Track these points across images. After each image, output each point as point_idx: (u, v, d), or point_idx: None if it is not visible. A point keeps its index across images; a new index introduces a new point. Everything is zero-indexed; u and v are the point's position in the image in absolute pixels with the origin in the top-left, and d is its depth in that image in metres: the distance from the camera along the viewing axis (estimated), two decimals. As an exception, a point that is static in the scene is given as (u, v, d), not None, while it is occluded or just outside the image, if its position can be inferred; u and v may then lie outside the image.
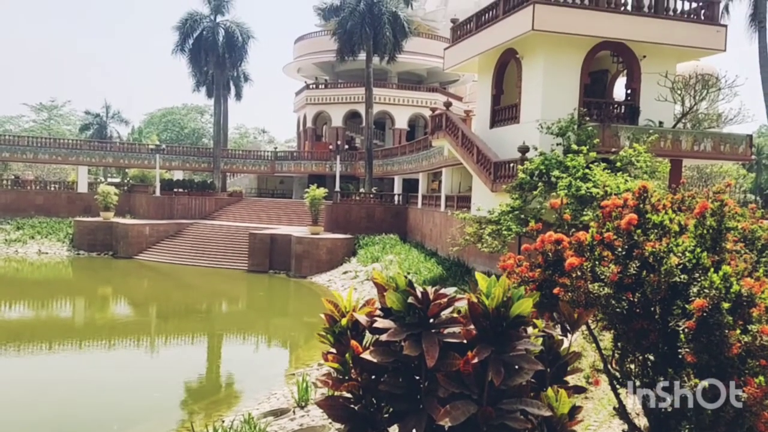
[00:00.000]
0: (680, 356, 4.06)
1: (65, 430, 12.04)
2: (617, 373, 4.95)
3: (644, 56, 20.22)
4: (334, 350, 3.84)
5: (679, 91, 20.23)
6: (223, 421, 10.74)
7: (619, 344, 4.85)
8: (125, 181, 50.31)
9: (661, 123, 19.93)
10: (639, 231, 4.60)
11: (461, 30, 24.38)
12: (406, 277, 3.67)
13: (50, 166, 51.21)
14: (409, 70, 50.63)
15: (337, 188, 38.03)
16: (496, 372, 3.24)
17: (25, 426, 11.90)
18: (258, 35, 66.45)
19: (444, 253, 25.69)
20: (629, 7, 20.03)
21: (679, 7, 20.32)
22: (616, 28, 19.52)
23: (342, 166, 43.15)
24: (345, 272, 28.26)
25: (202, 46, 43.44)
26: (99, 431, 11.87)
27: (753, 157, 33.15)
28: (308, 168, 47.89)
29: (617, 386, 4.99)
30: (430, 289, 3.58)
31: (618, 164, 16.38)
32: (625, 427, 5.04)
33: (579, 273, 4.46)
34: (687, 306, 4.08)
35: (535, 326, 3.90)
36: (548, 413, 3.37)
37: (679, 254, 4.37)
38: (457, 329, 3.47)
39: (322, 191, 32.31)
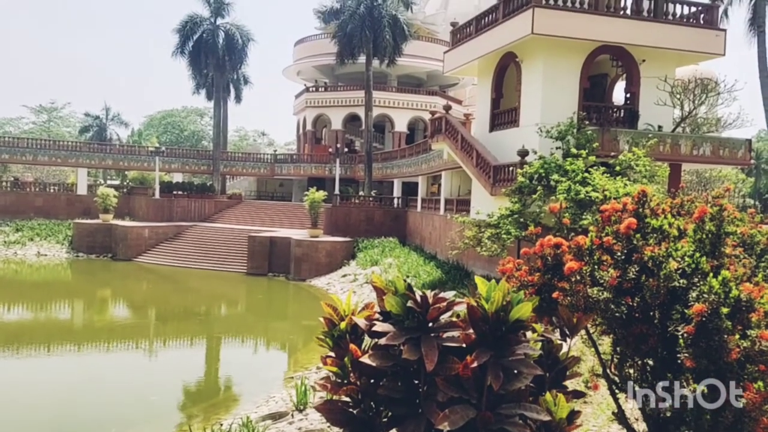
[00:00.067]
0: (679, 361, 4.06)
1: (63, 432, 12.02)
2: (616, 378, 4.94)
3: (643, 60, 20.27)
4: (332, 354, 3.83)
5: (678, 96, 20.27)
6: (221, 425, 10.71)
7: (618, 349, 4.85)
8: (125, 183, 50.32)
9: (660, 127, 19.98)
10: (638, 235, 4.60)
11: (461, 33, 24.43)
12: (405, 280, 3.67)
13: (50, 168, 51.23)
14: (409, 74, 50.71)
15: (337, 191, 38.04)
16: (495, 376, 3.24)
17: (22, 428, 11.88)
18: (258, 38, 66.58)
19: (443, 257, 25.69)
20: (629, 11, 20.10)
21: (678, 12, 20.38)
22: (615, 32, 19.58)
23: (341, 169, 43.18)
24: (344, 275, 28.24)
25: (202, 49, 43.48)
26: (97, 434, 11.84)
27: (752, 161, 33.19)
28: (308, 171, 47.91)
29: (616, 391, 4.98)
30: (430, 293, 3.57)
31: (617, 168, 16.40)
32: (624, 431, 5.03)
33: (578, 277, 4.45)
34: (686, 311, 4.07)
35: (534, 330, 3.90)
36: (547, 418, 3.36)
37: (679, 259, 4.38)
38: (456, 333, 3.47)
39: (321, 194, 32.31)
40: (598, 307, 4.37)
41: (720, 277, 4.03)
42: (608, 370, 5.00)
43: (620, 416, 4.99)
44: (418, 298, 3.51)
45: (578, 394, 4.20)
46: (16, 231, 38.45)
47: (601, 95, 22.55)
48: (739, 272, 4.30)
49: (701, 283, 4.16)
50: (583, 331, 4.92)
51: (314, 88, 51.08)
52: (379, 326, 3.54)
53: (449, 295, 3.66)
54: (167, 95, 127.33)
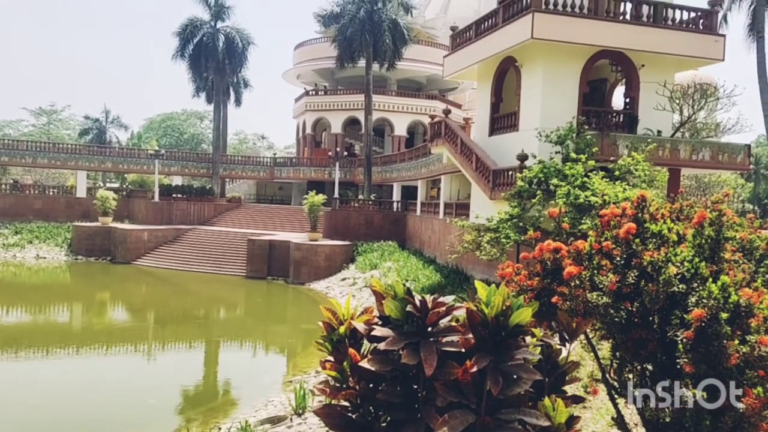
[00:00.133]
0: (679, 366, 4.06)
1: (61, 436, 11.98)
2: (616, 383, 4.94)
3: (643, 65, 20.30)
4: (332, 358, 3.83)
5: (677, 101, 20.30)
6: (220, 429, 10.70)
7: (617, 354, 4.85)
8: (124, 186, 50.30)
9: (659, 132, 20.00)
10: (637, 240, 4.60)
11: (461, 38, 24.47)
12: (404, 285, 3.67)
13: (49, 170, 51.22)
14: (409, 78, 50.78)
15: (336, 195, 38.04)
16: (495, 381, 3.24)
17: (21, 430, 11.84)
18: (258, 41, 66.62)
19: (442, 261, 25.68)
20: (628, 16, 20.12)
21: (677, 17, 20.41)
22: (615, 37, 19.60)
23: (341, 172, 43.19)
24: (343, 279, 28.22)
25: (202, 52, 43.52)
26: (95, 437, 11.82)
27: (751, 166, 33.20)
28: (307, 174, 47.92)
29: (616, 396, 4.98)
30: (429, 298, 3.58)
31: (616, 173, 16.40)
32: (624, 436, 5.02)
33: (577, 282, 4.46)
34: (685, 316, 4.08)
35: (533, 335, 3.89)
36: (546, 423, 3.36)
37: (678, 264, 4.38)
38: (455, 338, 3.47)
39: (320, 198, 32.31)
40: (597, 311, 4.37)
41: (719, 283, 4.04)
42: (608, 375, 5.00)
43: (620, 421, 4.98)
44: (418, 303, 3.51)
45: (577, 399, 4.20)
46: (15, 233, 38.41)
47: (601, 100, 22.58)
48: (738, 277, 4.30)
49: (700, 288, 4.16)
50: (582, 336, 4.92)
51: (314, 92, 51.13)
52: (379, 331, 3.54)
53: (449, 299, 3.66)
54: (167, 98, 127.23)
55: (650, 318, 4.45)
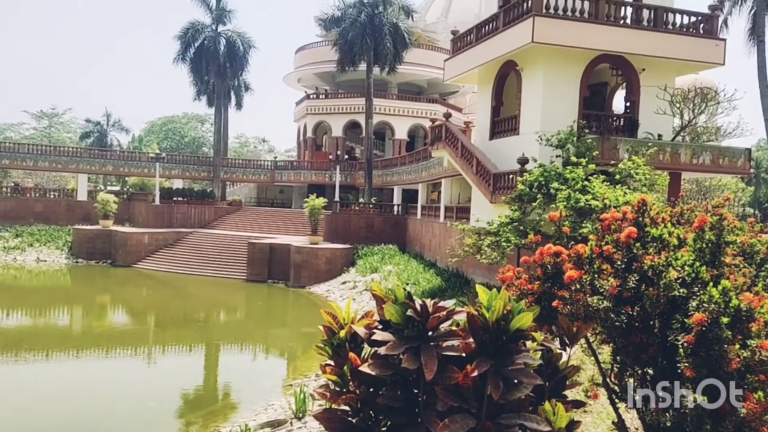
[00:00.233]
0: (679, 370, 4.05)
1: (61, 439, 11.97)
2: (616, 387, 4.93)
3: (643, 69, 20.32)
4: (332, 362, 3.83)
5: (678, 105, 20.32)
6: (220, 432, 10.68)
7: (618, 358, 4.84)
8: (125, 189, 50.35)
9: (660, 136, 20.00)
10: (638, 244, 4.60)
11: (461, 42, 24.50)
12: (404, 289, 3.67)
13: (50, 173, 51.24)
14: (410, 81, 50.84)
15: (337, 198, 38.05)
16: (495, 386, 3.23)
17: (20, 435, 11.84)
18: (259, 45, 66.75)
19: (443, 264, 25.67)
20: (628, 21, 20.15)
21: (678, 21, 20.44)
22: (615, 41, 19.63)
23: (342, 176, 43.21)
24: (344, 282, 28.22)
25: (204, 56, 43.64)
26: (95, 441, 11.80)
27: (752, 170, 33.24)
28: (308, 177, 47.96)
29: (616, 400, 4.97)
30: (429, 302, 3.57)
31: (617, 177, 16.41)
32: (624, 441, 5.01)
33: (578, 286, 4.45)
34: (686, 320, 4.07)
35: (533, 339, 3.89)
36: (547, 428, 3.35)
37: (678, 268, 4.38)
38: (456, 342, 3.46)
39: (321, 201, 32.33)
40: (597, 316, 4.37)
41: (720, 287, 4.03)
42: (608, 380, 4.99)
43: (620, 426, 4.97)
44: (418, 307, 3.50)
45: (578, 404, 4.19)
46: (15, 236, 38.43)
47: (601, 104, 22.60)
48: (739, 282, 4.30)
49: (701, 292, 4.16)
50: (582, 340, 4.92)
51: (315, 96, 51.21)
52: (379, 335, 3.54)
53: (449, 304, 3.66)
54: (168, 102, 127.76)
55: (651, 322, 4.44)
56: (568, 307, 4.41)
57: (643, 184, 16.18)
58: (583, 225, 13.62)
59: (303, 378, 14.65)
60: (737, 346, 3.86)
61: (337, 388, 3.74)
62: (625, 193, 14.56)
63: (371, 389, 3.61)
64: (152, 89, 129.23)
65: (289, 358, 19.26)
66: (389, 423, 3.57)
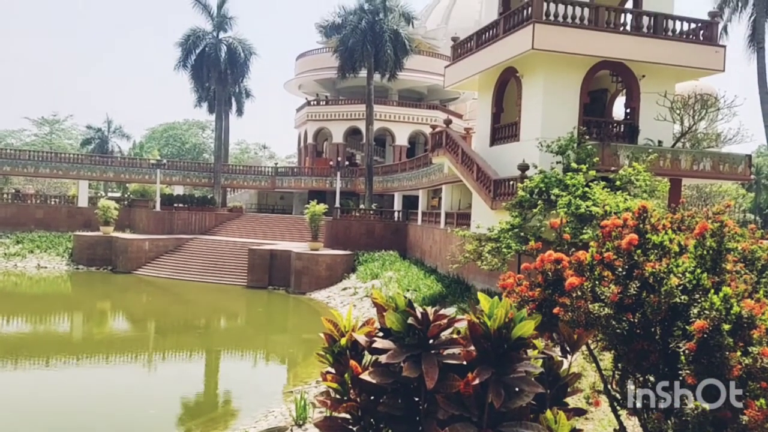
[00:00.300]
0: (681, 377, 4.05)
1: (60, 447, 11.93)
2: (618, 394, 4.92)
3: (643, 76, 20.36)
4: (333, 370, 3.82)
5: (678, 111, 20.33)
6: (220, 439, 10.64)
7: (619, 365, 4.83)
8: (125, 195, 50.37)
9: (660, 142, 20.01)
10: (639, 251, 4.60)
11: (462, 48, 24.57)
12: (405, 297, 3.66)
13: (51, 180, 51.30)
14: (410, 88, 50.96)
15: (337, 204, 38.07)
16: (497, 394, 3.23)
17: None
18: (260, 52, 66.96)
19: (443, 270, 25.64)
20: (628, 27, 20.19)
21: (678, 28, 20.49)
22: (615, 48, 19.67)
23: (342, 182, 43.25)
24: (344, 288, 28.18)
25: (205, 63, 43.75)
26: (95, 448, 11.76)
27: (752, 176, 33.24)
28: (308, 184, 47.99)
29: (618, 407, 4.95)
30: (430, 310, 3.57)
31: (617, 183, 16.41)
32: (626, 449, 4.99)
33: (579, 293, 4.45)
34: (687, 327, 4.07)
35: (534, 347, 3.88)
36: (548, 436, 3.34)
37: (680, 275, 4.37)
38: (457, 350, 3.46)
39: (322, 207, 32.32)
40: (599, 323, 4.36)
41: (721, 294, 4.03)
42: (610, 387, 4.98)
43: (622, 433, 4.95)
44: (419, 315, 3.50)
45: (579, 411, 4.18)
46: (16, 243, 38.43)
47: (601, 110, 22.63)
48: (740, 288, 4.29)
49: (702, 299, 4.15)
50: (584, 347, 4.91)
51: (315, 102, 51.32)
52: (380, 343, 3.53)
53: (450, 311, 3.66)
54: (169, 108, 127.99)
55: (652, 329, 4.43)
56: (569, 314, 4.41)
57: (644, 190, 16.17)
58: (584, 231, 13.61)
59: (303, 385, 14.61)
60: (739, 353, 3.85)
61: (338, 396, 3.73)
62: (626, 199, 14.55)
63: (372, 397, 3.60)
64: (153, 94, 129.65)
65: (289, 364, 19.21)
66: (390, 431, 3.56)
